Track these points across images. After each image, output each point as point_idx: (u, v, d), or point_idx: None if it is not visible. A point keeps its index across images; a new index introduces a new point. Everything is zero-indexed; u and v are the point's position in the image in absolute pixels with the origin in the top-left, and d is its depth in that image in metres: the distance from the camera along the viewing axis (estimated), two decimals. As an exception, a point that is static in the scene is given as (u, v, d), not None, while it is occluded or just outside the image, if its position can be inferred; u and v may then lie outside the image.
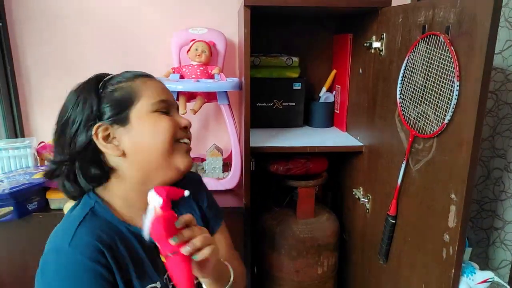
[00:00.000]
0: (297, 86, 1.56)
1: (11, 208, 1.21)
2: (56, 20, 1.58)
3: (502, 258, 1.23)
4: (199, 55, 1.45)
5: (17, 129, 1.62)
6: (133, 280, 0.72)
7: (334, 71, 1.55)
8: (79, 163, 0.74)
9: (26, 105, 1.64)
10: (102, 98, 0.75)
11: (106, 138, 0.73)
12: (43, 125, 1.66)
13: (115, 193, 0.76)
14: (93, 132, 0.72)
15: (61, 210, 1.25)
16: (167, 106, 0.78)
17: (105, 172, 0.75)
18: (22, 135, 1.63)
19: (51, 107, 1.64)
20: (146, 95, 0.76)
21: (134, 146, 0.73)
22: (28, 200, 1.24)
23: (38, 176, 1.28)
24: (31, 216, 1.26)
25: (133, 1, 1.59)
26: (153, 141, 0.74)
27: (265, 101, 1.56)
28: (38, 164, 1.44)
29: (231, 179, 1.45)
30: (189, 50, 1.48)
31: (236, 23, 1.63)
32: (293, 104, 1.57)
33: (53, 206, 1.29)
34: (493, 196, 1.33)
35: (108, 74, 0.83)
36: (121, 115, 0.74)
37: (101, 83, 0.78)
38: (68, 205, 1.21)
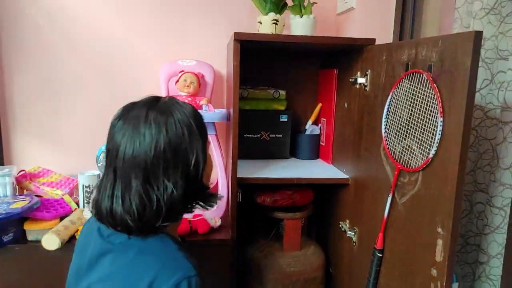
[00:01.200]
0: (283, 118, 1.58)
1: (-14, 239, 1.15)
2: (43, 49, 1.58)
3: (488, 293, 1.23)
4: (187, 86, 1.47)
5: (-4, 157, 1.58)
6: None
7: (319, 105, 1.58)
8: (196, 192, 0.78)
9: (8, 132, 1.60)
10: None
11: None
12: (25, 153, 1.63)
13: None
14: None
15: (38, 241, 1.20)
16: None
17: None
18: (2, 163, 1.58)
19: (33, 135, 1.62)
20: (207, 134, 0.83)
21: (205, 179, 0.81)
22: (4, 231, 1.19)
23: (16, 205, 1.23)
24: (6, 248, 1.20)
25: (123, 31, 1.61)
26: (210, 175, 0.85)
27: (252, 133, 1.57)
28: (17, 193, 1.39)
29: (217, 210, 1.43)
30: (177, 81, 1.50)
31: (225, 55, 1.67)
32: (280, 135, 1.59)
33: (30, 237, 1.24)
34: (477, 230, 1.34)
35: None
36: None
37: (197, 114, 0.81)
38: (47, 237, 1.17)
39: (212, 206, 0.79)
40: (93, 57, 1.61)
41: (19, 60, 1.57)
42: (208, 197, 0.80)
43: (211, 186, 0.86)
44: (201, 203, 0.79)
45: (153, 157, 0.70)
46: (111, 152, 0.73)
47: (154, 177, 0.70)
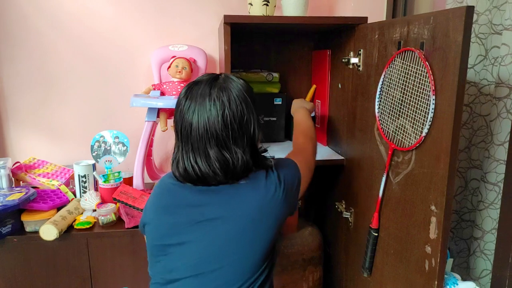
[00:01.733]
0: (278, 101, 1.57)
1: (-16, 232, 1.16)
2: (34, 38, 1.55)
3: (482, 267, 1.25)
4: (179, 72, 1.45)
5: (-10, 149, 1.57)
6: None
7: (314, 86, 1.57)
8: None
9: (2, 123, 1.59)
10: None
11: None
12: (19, 144, 1.62)
13: None
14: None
15: (36, 232, 1.20)
16: None
17: None
18: (-4, 155, 1.58)
19: (26, 126, 1.61)
20: None
21: None
22: (1, 223, 1.19)
23: (12, 197, 1.23)
24: (5, 240, 1.21)
25: (113, 18, 1.58)
26: None
27: (247, 117, 1.56)
28: (13, 185, 1.39)
29: (213, 196, 1.43)
30: (169, 67, 1.48)
31: (217, 39, 1.64)
32: (275, 119, 1.58)
33: (28, 228, 1.24)
34: (472, 206, 1.35)
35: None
36: None
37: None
38: (45, 227, 1.17)
39: (270, 166, 0.92)
40: (83, 44, 1.59)
41: (8, 50, 1.55)
42: (266, 158, 0.94)
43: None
44: (260, 159, 0.91)
45: (223, 128, 0.83)
46: (185, 129, 0.85)
47: (226, 145, 0.84)
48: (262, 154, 0.94)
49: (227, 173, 0.85)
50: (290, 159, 1.01)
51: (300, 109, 1.28)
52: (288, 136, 1.64)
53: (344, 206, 1.36)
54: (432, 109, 0.86)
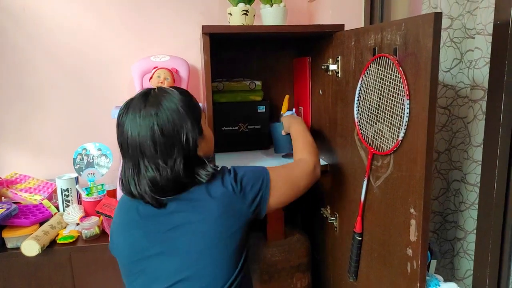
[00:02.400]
0: (261, 109, 1.58)
1: (-37, 250, 1.13)
2: (12, 52, 1.54)
3: (466, 268, 1.26)
4: (161, 82, 1.45)
5: (-29, 165, 1.54)
6: None
7: (286, 96, 1.51)
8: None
9: (-18, 139, 1.57)
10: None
11: None
12: (0, 159, 1.60)
13: None
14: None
15: (18, 249, 1.19)
16: None
17: None
18: (-23, 171, 1.55)
19: (7, 141, 1.59)
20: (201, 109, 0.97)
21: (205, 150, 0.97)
22: (-18, 240, 1.17)
23: (-7, 214, 1.21)
24: (-14, 257, 1.19)
25: (92, 30, 1.58)
26: (212, 145, 1.02)
27: (231, 125, 1.57)
28: (-6, 201, 1.37)
29: (198, 205, 1.43)
30: (151, 77, 1.48)
31: (199, 49, 1.65)
32: (258, 126, 1.59)
33: (10, 245, 1.22)
34: (454, 207, 1.37)
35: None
36: (199, 127, 0.93)
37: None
38: (26, 243, 1.15)
39: (207, 175, 0.89)
40: (63, 58, 1.58)
41: (-13, 65, 1.53)
42: (205, 167, 0.90)
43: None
44: (200, 173, 0.89)
45: (152, 142, 0.83)
46: (124, 143, 0.86)
47: (155, 158, 0.84)
48: (206, 164, 0.92)
49: (156, 190, 0.85)
50: (262, 166, 1.01)
51: (293, 125, 1.25)
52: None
53: (329, 211, 1.36)
54: (407, 113, 0.87)
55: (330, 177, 1.34)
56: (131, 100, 0.89)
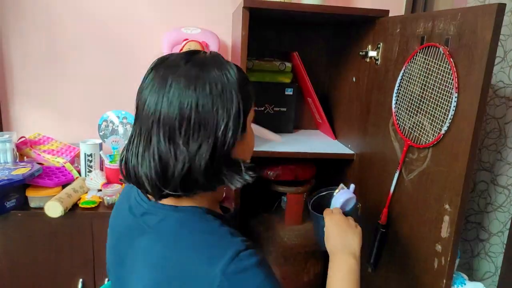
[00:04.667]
0: (289, 91, 1.55)
1: (-12, 205, 1.14)
2: (43, 12, 1.52)
3: (486, 269, 1.25)
4: (192, 55, 1.42)
5: (-5, 123, 1.55)
6: None
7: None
8: None
9: (7, 97, 1.57)
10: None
11: None
12: (25, 119, 1.60)
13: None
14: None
15: (41, 208, 1.19)
16: None
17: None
18: (1, 129, 1.56)
19: (32, 102, 1.59)
20: (254, 101, 0.70)
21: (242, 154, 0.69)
22: (6, 197, 1.18)
23: (17, 172, 1.22)
24: (9, 214, 1.19)
25: (126, -3, 1.56)
26: (251, 151, 0.75)
27: (257, 105, 1.54)
28: (18, 160, 1.37)
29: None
30: (181, 49, 1.45)
31: (229, 24, 1.62)
32: (285, 109, 1.56)
33: (32, 204, 1.23)
34: (478, 208, 1.35)
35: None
36: (244, 122, 0.66)
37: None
38: (50, 204, 1.16)
39: (238, 183, 0.66)
40: (94, 22, 1.56)
41: (17, 24, 1.52)
42: (238, 173, 0.66)
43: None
44: (227, 179, 0.65)
45: (178, 114, 0.60)
46: (139, 106, 0.65)
47: (174, 137, 0.61)
48: (240, 171, 0.66)
49: (164, 177, 0.62)
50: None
51: (341, 255, 0.82)
52: (297, 127, 1.63)
53: (350, 200, 1.35)
54: (454, 107, 0.84)
55: (356, 166, 1.32)
56: (171, 54, 0.68)
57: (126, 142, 0.69)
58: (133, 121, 0.70)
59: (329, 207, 0.95)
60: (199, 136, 0.61)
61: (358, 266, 0.80)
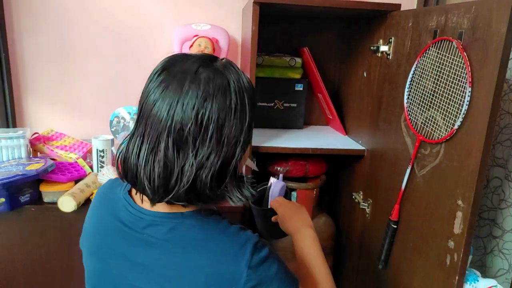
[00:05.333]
0: (299, 87, 1.54)
1: (3, 199, 1.16)
2: (55, 9, 1.53)
3: (499, 266, 1.23)
4: (202, 51, 1.43)
5: (9, 119, 1.57)
6: None
7: None
8: None
9: (20, 94, 1.59)
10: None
11: None
12: (38, 115, 1.62)
13: None
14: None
15: (54, 203, 1.21)
16: None
17: None
18: (15, 125, 1.58)
19: (45, 98, 1.61)
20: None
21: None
22: (20, 192, 1.20)
23: (31, 167, 1.24)
24: (23, 209, 1.22)
25: (136, -7, 1.56)
26: None
27: (266, 101, 1.54)
28: (31, 155, 1.39)
29: (229, 178, 1.43)
30: (191, 45, 1.46)
31: (239, 20, 1.62)
32: (294, 105, 1.56)
33: (46, 199, 1.25)
34: (491, 204, 1.33)
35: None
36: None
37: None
38: (63, 199, 1.18)
39: (238, 200, 0.65)
40: (105, 18, 1.57)
41: (30, 20, 1.53)
42: (240, 189, 0.65)
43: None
44: (228, 194, 0.64)
45: (193, 123, 0.58)
46: (145, 107, 0.61)
47: (185, 147, 0.59)
48: (242, 183, 0.66)
49: (166, 185, 0.60)
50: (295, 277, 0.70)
51: (301, 230, 0.88)
52: (307, 123, 1.62)
53: (361, 196, 1.34)
54: (467, 101, 0.83)
55: (367, 162, 1.31)
56: (184, 56, 0.64)
57: (126, 141, 0.65)
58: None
59: (266, 200, 1.04)
60: (210, 148, 0.59)
61: (316, 234, 0.87)
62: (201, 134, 0.59)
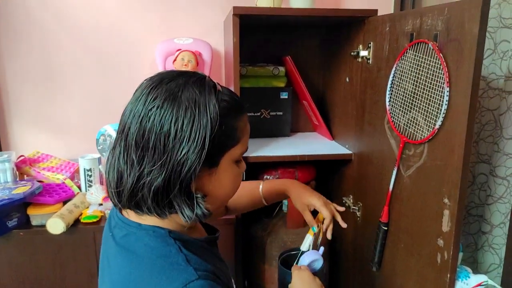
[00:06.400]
0: (284, 95, 1.56)
1: (-11, 225, 1.15)
2: (36, 31, 1.53)
3: (490, 261, 1.25)
4: (185, 65, 1.44)
5: (-6, 143, 1.55)
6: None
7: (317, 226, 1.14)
8: None
9: (4, 117, 1.58)
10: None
11: None
12: (23, 138, 1.60)
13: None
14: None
15: (43, 226, 1.19)
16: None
17: None
18: (0, 149, 1.56)
19: (30, 120, 1.60)
20: (243, 142, 0.66)
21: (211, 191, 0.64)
22: (8, 217, 1.18)
23: (18, 191, 1.22)
24: (11, 234, 1.20)
25: (117, 11, 1.57)
26: (227, 191, 0.67)
27: (253, 111, 1.55)
28: (18, 179, 1.38)
29: (219, 190, 1.43)
30: (175, 60, 1.47)
31: (221, 33, 1.63)
32: (281, 113, 1.57)
33: (34, 222, 1.23)
34: (479, 201, 1.35)
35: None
36: (214, 156, 0.61)
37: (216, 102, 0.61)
38: (52, 221, 1.16)
39: (188, 218, 0.60)
40: (86, 38, 1.57)
41: (11, 43, 1.53)
42: (190, 208, 0.60)
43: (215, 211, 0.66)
44: (179, 208, 0.60)
45: (136, 130, 0.58)
46: (124, 118, 0.62)
47: (131, 152, 0.59)
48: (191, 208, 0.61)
49: (117, 190, 0.61)
50: None
51: None
52: (294, 130, 1.63)
53: (351, 200, 1.35)
54: (446, 101, 0.85)
55: (355, 166, 1.32)
56: (163, 73, 0.64)
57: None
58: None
59: (297, 261, 0.99)
60: (153, 159, 0.58)
61: None
62: (144, 142, 0.58)
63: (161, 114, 0.57)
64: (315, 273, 0.94)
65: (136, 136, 0.58)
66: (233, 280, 0.74)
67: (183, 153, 0.57)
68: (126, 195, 0.60)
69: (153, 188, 0.58)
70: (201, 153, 0.58)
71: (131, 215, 0.66)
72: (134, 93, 0.62)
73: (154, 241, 0.62)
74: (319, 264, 0.99)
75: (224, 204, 0.71)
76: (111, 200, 0.65)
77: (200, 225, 0.77)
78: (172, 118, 0.57)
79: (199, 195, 0.61)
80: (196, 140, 0.57)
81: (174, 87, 0.59)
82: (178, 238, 0.63)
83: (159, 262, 0.59)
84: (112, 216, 0.71)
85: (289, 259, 1.09)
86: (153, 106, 0.58)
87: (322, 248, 1.01)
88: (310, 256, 0.98)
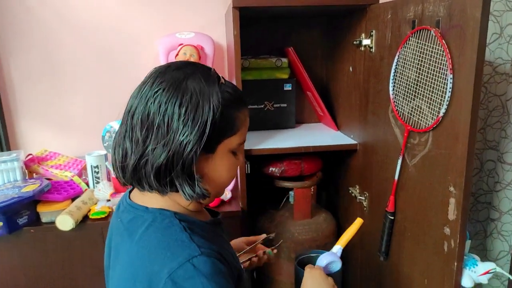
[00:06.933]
0: (287, 86, 1.55)
1: (1, 223, 1.17)
2: (40, 29, 1.54)
3: (500, 249, 1.24)
4: (188, 59, 1.43)
5: (2, 142, 1.57)
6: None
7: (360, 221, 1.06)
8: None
9: (11, 116, 1.60)
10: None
11: None
12: (30, 136, 1.63)
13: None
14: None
15: (52, 223, 1.21)
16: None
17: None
18: (8, 148, 1.58)
19: (37, 119, 1.61)
20: (241, 133, 0.69)
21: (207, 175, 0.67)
22: (18, 215, 1.20)
23: (27, 189, 1.24)
24: (22, 231, 1.22)
25: (118, 7, 1.57)
26: (222, 178, 0.70)
27: (256, 103, 1.55)
28: (27, 177, 1.40)
29: (225, 183, 1.43)
30: (177, 54, 1.47)
31: (223, 26, 1.62)
32: (285, 105, 1.56)
33: (44, 219, 1.25)
34: (487, 188, 1.34)
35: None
36: (211, 142, 0.64)
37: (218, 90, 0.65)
38: (61, 218, 1.18)
39: (189, 196, 0.64)
40: (89, 34, 1.58)
41: (15, 41, 1.54)
42: (191, 186, 0.64)
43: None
44: (180, 187, 0.63)
45: (142, 112, 0.62)
46: (132, 99, 0.66)
47: (137, 132, 0.63)
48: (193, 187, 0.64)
49: (123, 166, 0.65)
50: None
51: None
52: (299, 121, 1.63)
53: (358, 190, 1.35)
54: (450, 88, 0.84)
55: (360, 156, 1.32)
56: (172, 63, 0.68)
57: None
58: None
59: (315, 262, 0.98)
60: (157, 138, 0.61)
61: None
62: (149, 124, 0.62)
63: (167, 96, 0.61)
64: (331, 275, 0.92)
65: (142, 116, 0.62)
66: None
67: (185, 134, 0.61)
68: (129, 170, 0.64)
69: (155, 165, 0.62)
70: (202, 137, 0.62)
71: (138, 199, 0.69)
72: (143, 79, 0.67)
73: (160, 222, 0.65)
74: (337, 266, 0.98)
75: (220, 193, 0.74)
76: (115, 175, 0.69)
77: (205, 210, 0.80)
78: (176, 101, 0.61)
79: (198, 177, 0.64)
80: (198, 123, 0.61)
81: (181, 74, 0.64)
82: (183, 219, 0.66)
83: (165, 239, 0.62)
84: (121, 202, 0.74)
85: (307, 260, 1.09)
86: (159, 89, 0.62)
87: (339, 248, 0.99)
88: (328, 257, 0.97)
